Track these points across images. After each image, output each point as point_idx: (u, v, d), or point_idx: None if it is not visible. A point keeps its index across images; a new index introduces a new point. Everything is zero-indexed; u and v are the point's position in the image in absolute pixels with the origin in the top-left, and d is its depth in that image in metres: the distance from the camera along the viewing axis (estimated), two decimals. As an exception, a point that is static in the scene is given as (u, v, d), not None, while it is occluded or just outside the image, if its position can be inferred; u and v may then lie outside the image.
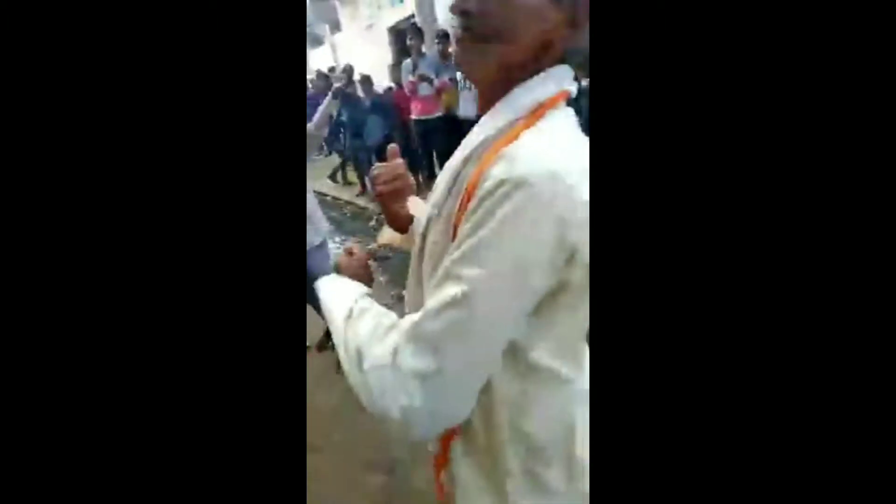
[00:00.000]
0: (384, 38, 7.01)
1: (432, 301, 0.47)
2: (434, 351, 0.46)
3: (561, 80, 0.53)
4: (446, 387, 0.47)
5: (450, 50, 4.51)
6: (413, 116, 4.60)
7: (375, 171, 0.71)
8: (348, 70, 4.78)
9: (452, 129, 4.48)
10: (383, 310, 0.57)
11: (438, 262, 0.50)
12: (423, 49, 4.43)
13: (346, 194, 5.60)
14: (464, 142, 0.56)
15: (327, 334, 2.34)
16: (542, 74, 0.52)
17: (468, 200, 0.48)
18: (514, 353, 0.52)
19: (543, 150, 0.47)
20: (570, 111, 0.54)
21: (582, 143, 0.50)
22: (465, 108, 4.11)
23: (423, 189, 5.21)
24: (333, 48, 8.76)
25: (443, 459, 0.61)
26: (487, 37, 0.50)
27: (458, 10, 0.51)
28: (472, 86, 2.41)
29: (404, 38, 4.78)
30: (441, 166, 5.23)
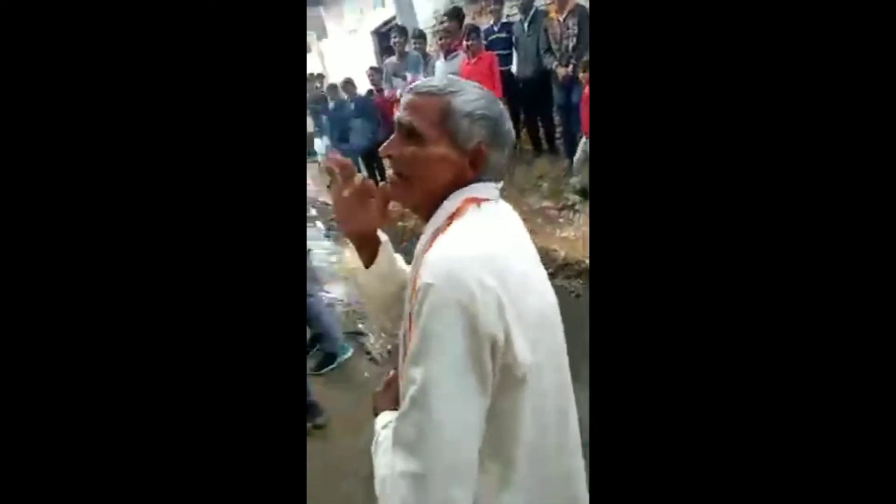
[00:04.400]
0: (369, 43, 7.01)
1: (403, 402, 0.54)
2: (415, 454, 0.52)
3: (464, 194, 0.63)
4: (434, 485, 0.51)
5: (427, 50, 4.50)
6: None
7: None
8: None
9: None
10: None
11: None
12: (407, 49, 4.43)
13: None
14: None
15: None
16: (450, 196, 0.63)
17: (413, 297, 0.56)
18: None
19: (445, 254, 0.56)
20: (487, 209, 0.63)
21: (489, 231, 0.60)
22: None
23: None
24: (321, 56, 8.73)
25: None
26: (409, 177, 0.63)
27: (384, 155, 0.65)
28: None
29: (388, 40, 4.77)
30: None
